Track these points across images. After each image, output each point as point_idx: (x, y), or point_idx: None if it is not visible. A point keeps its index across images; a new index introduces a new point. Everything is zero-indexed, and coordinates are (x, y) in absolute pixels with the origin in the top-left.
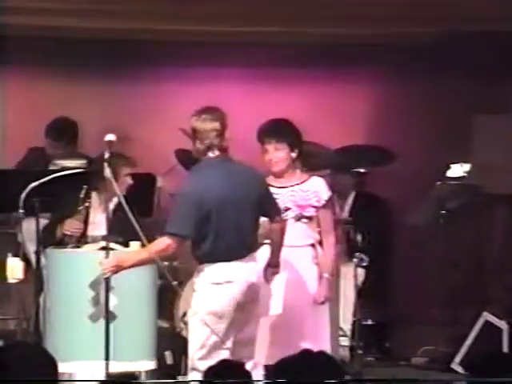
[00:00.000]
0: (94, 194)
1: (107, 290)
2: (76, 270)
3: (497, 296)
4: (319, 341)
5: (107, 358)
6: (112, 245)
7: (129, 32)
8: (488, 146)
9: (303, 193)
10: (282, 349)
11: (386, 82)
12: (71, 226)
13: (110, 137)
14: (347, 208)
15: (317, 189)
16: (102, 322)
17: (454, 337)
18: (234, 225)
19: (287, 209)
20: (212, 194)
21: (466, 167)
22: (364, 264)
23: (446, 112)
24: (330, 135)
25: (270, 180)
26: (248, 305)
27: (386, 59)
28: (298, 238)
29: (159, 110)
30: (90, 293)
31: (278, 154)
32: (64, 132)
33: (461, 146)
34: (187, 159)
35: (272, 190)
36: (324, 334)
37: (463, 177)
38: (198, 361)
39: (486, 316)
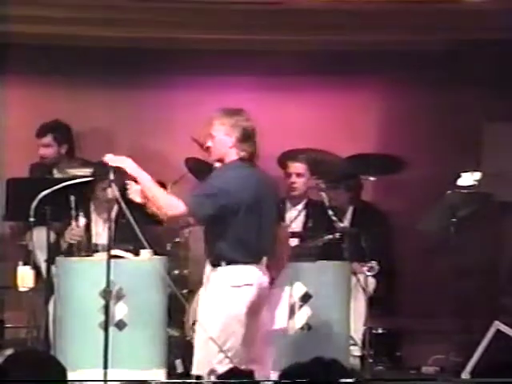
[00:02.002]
0: (96, 203)
1: (108, 299)
2: (86, 278)
3: (508, 305)
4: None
5: (106, 367)
6: (122, 253)
7: (138, 40)
8: (498, 153)
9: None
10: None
11: (396, 89)
12: (72, 234)
13: (110, 157)
14: (348, 218)
15: None
16: (111, 330)
17: (465, 346)
18: (256, 228)
19: None
20: (240, 193)
21: (477, 175)
22: (374, 273)
23: (457, 120)
24: (339, 143)
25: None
26: (261, 308)
27: (397, 67)
28: None
29: (169, 119)
30: (100, 301)
31: None
32: (58, 131)
33: (471, 154)
34: (197, 168)
35: None
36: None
37: (474, 185)
38: (218, 364)
39: (498, 325)
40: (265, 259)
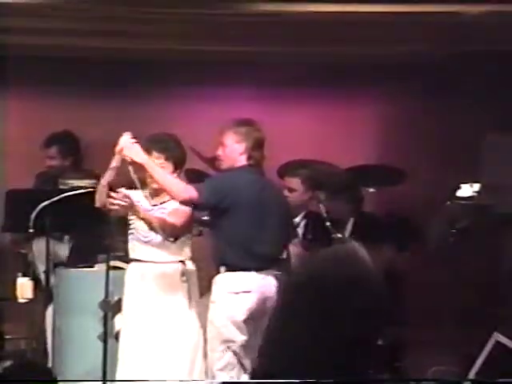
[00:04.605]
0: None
1: (107, 310)
2: (85, 289)
3: (508, 316)
4: None
5: (104, 378)
6: (122, 264)
7: (139, 52)
8: (498, 165)
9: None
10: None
11: (396, 102)
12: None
13: (125, 140)
14: (349, 229)
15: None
16: (111, 341)
17: (465, 357)
18: (259, 235)
19: None
20: (244, 195)
21: (476, 187)
22: None
23: (457, 131)
24: (339, 154)
25: (146, 197)
26: (262, 317)
27: (397, 79)
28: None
29: (169, 129)
30: (99, 312)
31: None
32: (65, 142)
33: (471, 166)
34: (197, 179)
35: (147, 206)
36: None
37: (473, 196)
38: (218, 371)
39: (497, 336)
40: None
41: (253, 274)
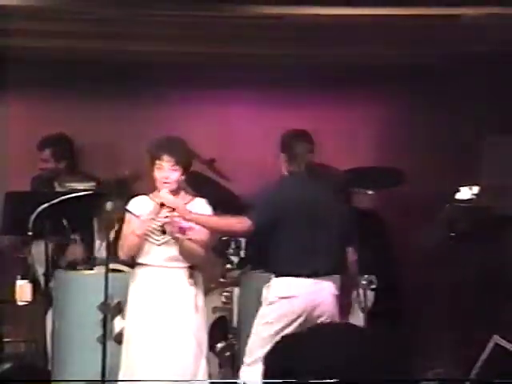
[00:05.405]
0: (100, 217)
1: (107, 313)
2: (85, 292)
3: (507, 319)
4: None
5: (103, 381)
6: (120, 266)
7: (139, 54)
8: (498, 167)
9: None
10: None
11: (395, 103)
12: (71, 253)
13: (164, 194)
14: None
15: (198, 209)
16: (110, 344)
17: (464, 360)
18: (308, 241)
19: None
20: (293, 205)
21: (476, 189)
22: (373, 287)
23: (456, 133)
24: (338, 157)
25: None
26: (311, 321)
27: (397, 81)
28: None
29: (166, 131)
30: (98, 314)
31: (174, 173)
32: (58, 145)
33: (471, 168)
34: (196, 181)
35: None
36: None
37: (473, 199)
38: (245, 367)
39: (497, 339)
40: (334, 277)
41: (303, 280)
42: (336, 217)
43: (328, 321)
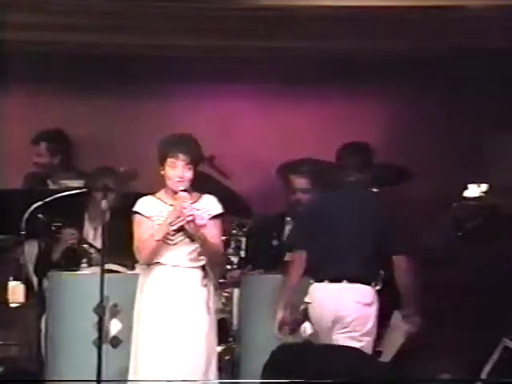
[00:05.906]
0: (91, 214)
1: (102, 315)
2: (79, 293)
3: None
4: None
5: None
6: (116, 267)
7: (138, 47)
8: (506, 165)
9: (197, 211)
10: None
11: (400, 99)
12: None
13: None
14: None
15: (209, 206)
16: (105, 347)
17: (473, 363)
18: (334, 247)
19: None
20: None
21: (484, 187)
22: (377, 288)
23: (463, 130)
24: None
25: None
26: (336, 324)
27: (401, 76)
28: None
29: (169, 127)
30: (94, 317)
31: (189, 172)
32: (54, 140)
33: (478, 166)
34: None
35: (165, 207)
36: None
37: (480, 197)
38: None
39: (505, 342)
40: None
41: (324, 284)
42: (371, 224)
43: (358, 328)
